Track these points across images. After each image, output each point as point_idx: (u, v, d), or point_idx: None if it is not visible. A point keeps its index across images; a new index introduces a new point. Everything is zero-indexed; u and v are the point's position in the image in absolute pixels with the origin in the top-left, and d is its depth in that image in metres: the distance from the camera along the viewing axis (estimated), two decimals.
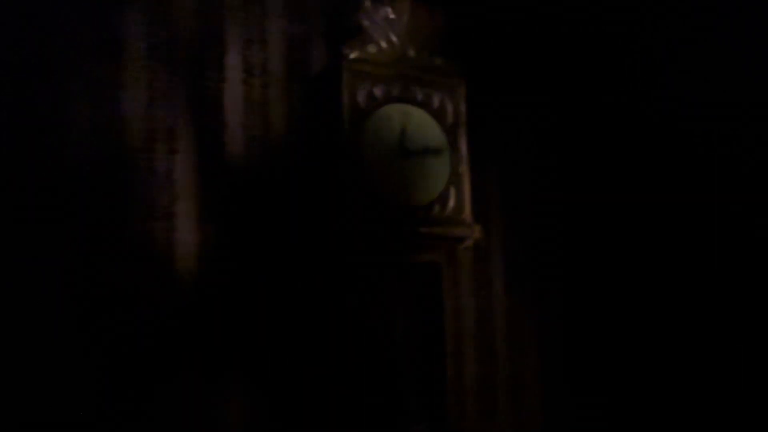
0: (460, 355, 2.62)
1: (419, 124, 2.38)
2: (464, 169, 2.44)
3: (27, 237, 1.98)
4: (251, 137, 2.33)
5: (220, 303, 2.20)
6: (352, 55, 2.29)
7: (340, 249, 2.37)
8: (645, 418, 2.80)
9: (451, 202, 2.42)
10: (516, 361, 2.74)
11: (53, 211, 2.02)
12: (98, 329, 2.04)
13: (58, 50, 2.06)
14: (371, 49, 2.32)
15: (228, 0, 2.29)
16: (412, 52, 2.37)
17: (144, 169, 2.16)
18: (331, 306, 2.37)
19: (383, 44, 2.34)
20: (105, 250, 2.06)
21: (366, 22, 2.33)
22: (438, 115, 2.39)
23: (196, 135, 2.24)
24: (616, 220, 2.83)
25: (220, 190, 2.27)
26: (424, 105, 2.37)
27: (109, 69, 2.11)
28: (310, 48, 2.40)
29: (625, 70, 2.89)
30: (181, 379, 2.11)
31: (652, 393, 2.78)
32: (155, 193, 2.18)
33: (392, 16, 2.35)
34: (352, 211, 2.28)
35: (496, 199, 2.69)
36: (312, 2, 2.40)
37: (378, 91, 2.31)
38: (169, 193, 2.20)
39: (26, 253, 1.97)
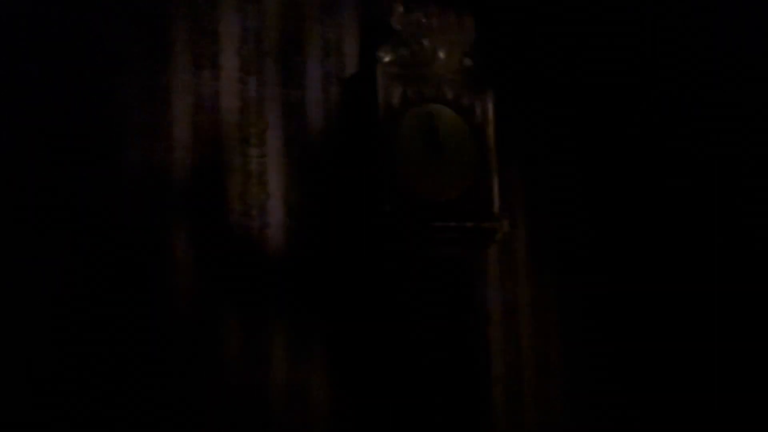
0: (488, 344, 2.73)
1: (449, 122, 2.49)
2: (492, 165, 2.55)
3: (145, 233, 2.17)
4: (290, 139, 2.43)
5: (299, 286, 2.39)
6: (387, 59, 2.40)
7: (375, 243, 2.48)
8: (666, 404, 2.92)
9: (481, 197, 2.53)
10: (540, 350, 2.85)
11: (162, 211, 2.23)
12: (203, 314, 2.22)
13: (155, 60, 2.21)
14: (404, 52, 2.43)
15: (267, 7, 2.40)
16: (442, 54, 2.49)
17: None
18: (367, 297, 2.49)
19: (415, 47, 2.45)
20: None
21: (399, 27, 2.44)
22: (467, 114, 2.51)
23: (241, 140, 2.34)
24: (635, 210, 2.96)
25: (263, 188, 2.38)
26: (455, 105, 2.49)
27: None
28: (344, 51, 2.51)
29: (637, 74, 3.01)
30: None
31: (673, 378, 2.90)
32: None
33: (423, 20, 2.46)
34: (386, 207, 2.39)
35: (519, 193, 2.80)
36: (346, 7, 2.51)
37: (411, 92, 2.43)
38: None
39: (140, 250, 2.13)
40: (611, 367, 2.93)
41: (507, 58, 2.73)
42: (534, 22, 2.79)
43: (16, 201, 2.03)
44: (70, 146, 2.11)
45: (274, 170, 2.40)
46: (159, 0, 2.24)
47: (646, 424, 2.93)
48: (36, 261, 2.02)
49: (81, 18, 2.16)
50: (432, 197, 2.47)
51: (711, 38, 2.89)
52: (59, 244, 2.05)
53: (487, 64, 2.54)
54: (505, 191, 2.65)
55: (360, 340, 2.46)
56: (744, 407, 2.70)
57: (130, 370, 2.11)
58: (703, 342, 2.86)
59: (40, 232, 2.03)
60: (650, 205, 2.94)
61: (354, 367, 2.47)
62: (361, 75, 2.47)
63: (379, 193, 2.41)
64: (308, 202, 2.43)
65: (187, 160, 2.26)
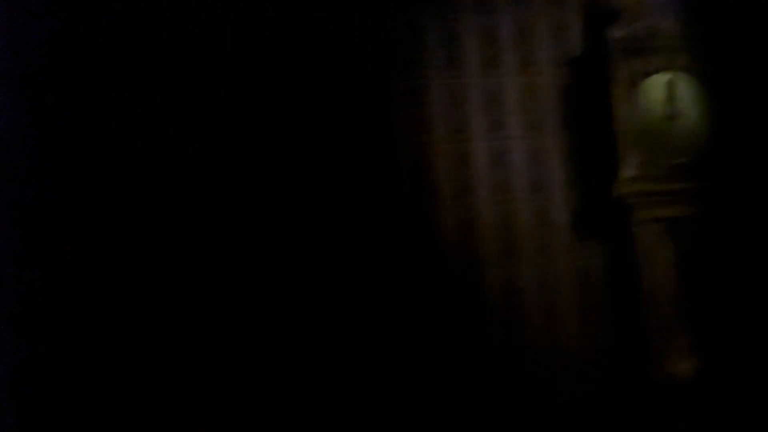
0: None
1: (681, 89, 2.62)
2: (717, 128, 2.66)
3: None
4: (530, 121, 2.68)
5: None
6: (617, 35, 2.56)
7: (618, 207, 2.67)
8: None
9: (712, 159, 2.64)
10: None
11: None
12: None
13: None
14: (631, 27, 2.58)
15: (501, 1, 2.65)
16: (667, 25, 2.61)
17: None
18: (608, 257, 2.69)
19: (641, 22, 2.60)
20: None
21: (623, 4, 2.59)
22: (696, 79, 2.62)
23: (486, 125, 2.62)
24: None
25: (506, 168, 2.65)
26: (683, 72, 2.61)
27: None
28: (570, 34, 2.71)
29: None
30: None
31: None
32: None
33: None
34: (628, 173, 2.58)
35: (735, 154, 2.87)
36: None
37: (642, 65, 2.58)
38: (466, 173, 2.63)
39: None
40: None
41: (729, 24, 2.79)
42: None
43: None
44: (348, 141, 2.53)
45: (517, 151, 2.66)
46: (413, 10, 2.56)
47: None
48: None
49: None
50: (668, 161, 2.61)
51: None
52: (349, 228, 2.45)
53: (709, 30, 2.63)
54: (735, 153, 2.73)
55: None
56: None
57: None
58: None
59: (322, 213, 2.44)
60: None
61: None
62: (589, 54, 2.65)
63: (620, 160, 2.60)
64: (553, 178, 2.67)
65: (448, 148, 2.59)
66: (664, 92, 2.58)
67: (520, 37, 2.66)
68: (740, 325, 2.61)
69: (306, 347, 2.49)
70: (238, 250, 2.49)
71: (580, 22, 2.70)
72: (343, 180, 2.52)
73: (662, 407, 2.56)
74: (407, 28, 2.60)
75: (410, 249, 2.56)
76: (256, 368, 2.47)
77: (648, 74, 2.57)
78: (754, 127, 2.82)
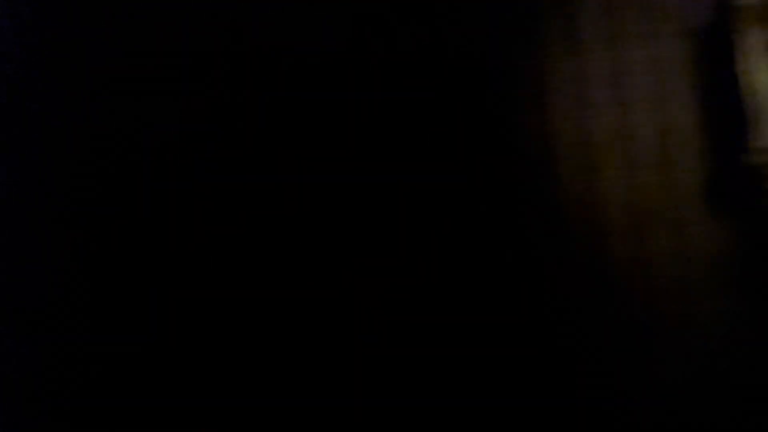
0: None
1: None
2: None
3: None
4: (656, 94, 2.66)
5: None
6: (748, 2, 2.46)
7: (753, 178, 2.59)
8: None
9: None
10: None
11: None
12: None
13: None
14: None
15: None
16: None
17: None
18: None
19: None
20: None
21: None
22: None
23: (610, 100, 2.60)
24: None
25: (632, 143, 2.64)
26: None
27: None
28: (697, 3, 2.66)
29: None
30: None
31: None
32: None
33: None
34: (761, 144, 2.51)
35: None
36: None
37: None
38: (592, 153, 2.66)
39: None
40: None
41: None
42: None
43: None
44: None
45: (644, 125, 2.64)
46: None
47: None
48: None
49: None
50: None
51: None
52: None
53: None
54: None
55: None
56: None
57: None
58: None
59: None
60: None
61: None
62: (718, 23, 2.58)
63: (751, 130, 2.53)
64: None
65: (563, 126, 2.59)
66: None
67: (644, 8, 2.62)
68: None
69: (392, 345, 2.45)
70: (255, 251, 2.47)
71: None
72: (456, 171, 2.49)
73: None
74: (525, 5, 2.59)
75: (532, 233, 2.53)
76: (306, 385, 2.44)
77: None
78: None
